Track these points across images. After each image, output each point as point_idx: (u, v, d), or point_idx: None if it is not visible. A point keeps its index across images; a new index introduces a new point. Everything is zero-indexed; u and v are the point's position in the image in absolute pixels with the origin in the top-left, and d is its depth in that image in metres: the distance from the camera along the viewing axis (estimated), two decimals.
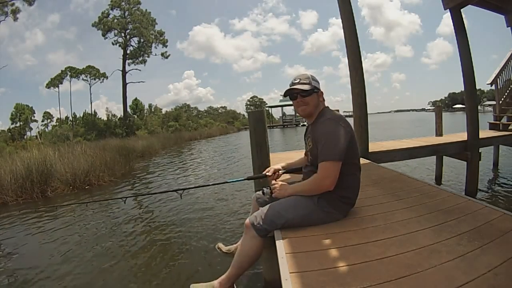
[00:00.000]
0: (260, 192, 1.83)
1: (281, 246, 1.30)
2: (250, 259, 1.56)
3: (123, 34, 27.97)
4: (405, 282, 0.97)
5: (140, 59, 29.15)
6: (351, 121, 3.69)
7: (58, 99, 35.57)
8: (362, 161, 3.37)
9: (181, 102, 61.19)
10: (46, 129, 29.63)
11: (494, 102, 6.76)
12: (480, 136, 4.48)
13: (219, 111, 55.77)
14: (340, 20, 3.92)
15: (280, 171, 1.86)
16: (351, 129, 1.53)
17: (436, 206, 1.66)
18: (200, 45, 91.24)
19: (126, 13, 27.87)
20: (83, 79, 33.95)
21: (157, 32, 29.68)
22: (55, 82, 33.90)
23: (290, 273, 1.08)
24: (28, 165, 5.86)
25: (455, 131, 6.60)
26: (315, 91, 1.58)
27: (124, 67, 28.61)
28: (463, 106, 5.10)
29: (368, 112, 4.07)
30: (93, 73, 33.44)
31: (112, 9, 27.50)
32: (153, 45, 29.49)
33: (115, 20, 27.35)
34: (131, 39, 28.52)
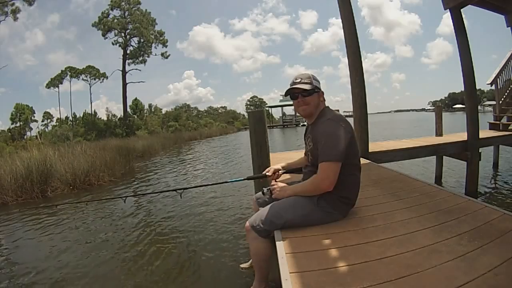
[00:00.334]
0: (260, 193, 1.83)
1: (281, 246, 1.30)
2: (262, 258, 1.56)
3: (123, 34, 27.98)
4: (405, 282, 0.97)
5: (140, 59, 29.18)
6: (351, 121, 3.70)
7: (58, 99, 35.56)
8: (362, 161, 3.36)
9: (181, 102, 61.12)
10: (46, 129, 29.65)
11: (494, 102, 6.77)
12: (480, 136, 4.48)
13: (219, 111, 55.78)
14: (340, 20, 3.92)
15: (280, 171, 1.86)
16: (351, 129, 1.53)
17: (436, 206, 1.66)
18: (200, 45, 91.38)
19: (126, 13, 27.89)
20: (83, 79, 33.98)
21: (157, 32, 29.70)
22: (55, 82, 33.91)
23: (290, 273, 1.08)
24: (28, 165, 5.85)
25: (455, 131, 6.61)
26: (316, 91, 1.57)
27: (124, 67, 28.65)
28: (463, 106, 5.10)
29: (368, 112, 4.07)
30: (93, 73, 33.44)
31: (112, 9, 27.53)
32: (153, 45, 29.54)
33: (115, 20, 27.36)
34: (131, 39, 28.55)
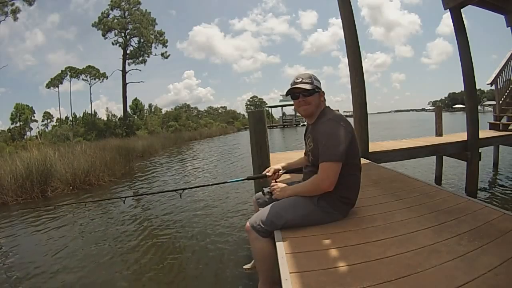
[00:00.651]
0: (260, 193, 1.83)
1: (281, 246, 1.30)
2: (266, 259, 1.52)
3: (123, 34, 27.95)
4: (405, 282, 0.97)
5: (140, 59, 29.14)
6: (351, 121, 3.70)
7: (58, 99, 35.53)
8: (362, 161, 3.36)
9: (181, 102, 61.18)
10: (46, 129, 29.63)
11: (494, 102, 6.76)
12: (480, 136, 4.48)
13: (219, 111, 55.77)
14: (339, 20, 3.92)
15: (280, 171, 1.86)
16: (352, 129, 1.52)
17: (436, 206, 1.66)
18: (200, 45, 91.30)
19: (126, 13, 27.86)
20: (83, 79, 33.95)
21: (157, 32, 29.68)
22: (55, 82, 33.89)
23: (290, 273, 1.08)
24: (28, 165, 5.85)
25: (455, 131, 6.60)
26: (317, 90, 1.57)
27: (124, 67, 28.61)
28: (463, 106, 5.09)
29: (368, 112, 4.07)
30: (93, 73, 33.42)
31: (112, 9, 27.50)
32: (153, 45, 29.51)
33: (115, 20, 27.33)
34: (131, 39, 28.51)
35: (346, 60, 3.94)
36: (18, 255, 3.26)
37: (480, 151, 4.46)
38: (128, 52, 28.54)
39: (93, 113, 30.04)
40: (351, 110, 4.12)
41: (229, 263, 2.75)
